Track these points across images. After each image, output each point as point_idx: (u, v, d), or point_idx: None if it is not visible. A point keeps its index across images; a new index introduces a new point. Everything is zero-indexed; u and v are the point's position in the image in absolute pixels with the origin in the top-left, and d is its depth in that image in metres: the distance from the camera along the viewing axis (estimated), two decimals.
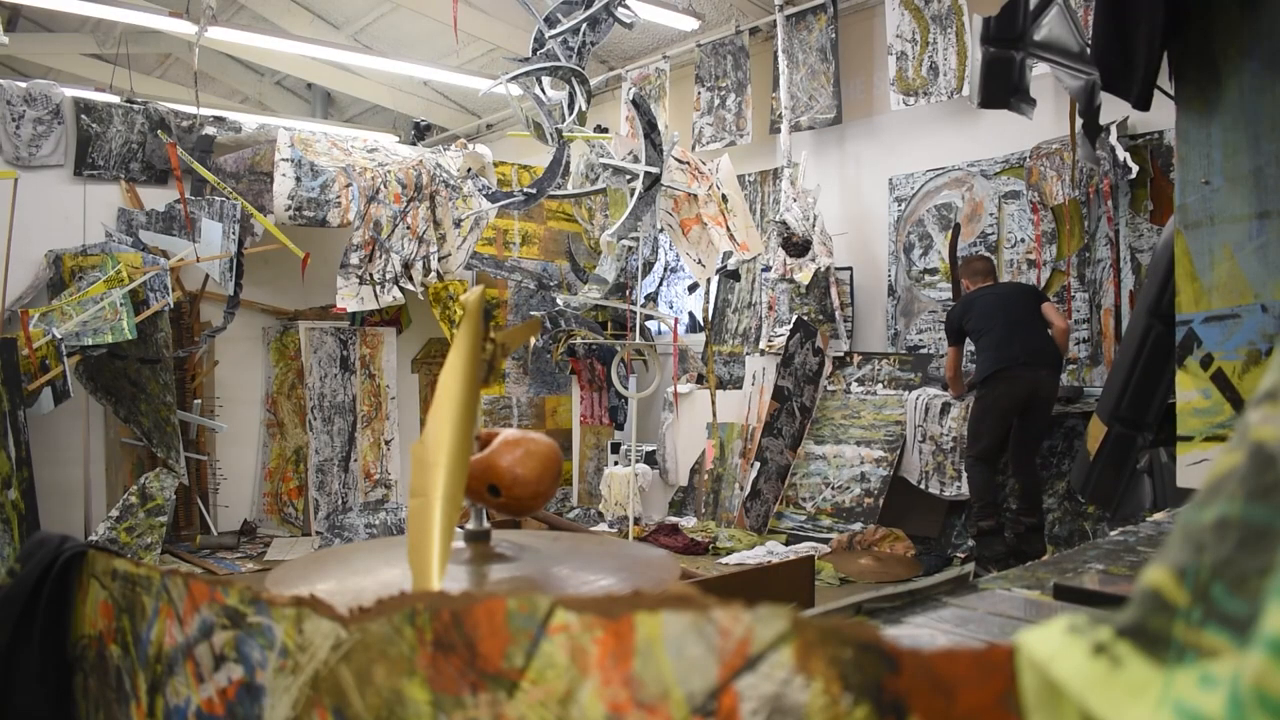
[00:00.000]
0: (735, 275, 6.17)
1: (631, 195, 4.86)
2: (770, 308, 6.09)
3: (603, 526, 5.71)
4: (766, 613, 0.52)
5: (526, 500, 1.08)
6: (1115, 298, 4.70)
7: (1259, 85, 2.07)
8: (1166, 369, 3.27)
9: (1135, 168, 4.48)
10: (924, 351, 5.53)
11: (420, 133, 8.08)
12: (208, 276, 5.25)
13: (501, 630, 0.64)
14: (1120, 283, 4.69)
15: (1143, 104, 2.28)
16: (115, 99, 5.69)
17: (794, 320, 5.64)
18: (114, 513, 4.56)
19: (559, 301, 6.02)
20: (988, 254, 5.18)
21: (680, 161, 5.31)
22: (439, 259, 5.54)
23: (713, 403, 5.85)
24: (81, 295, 4.51)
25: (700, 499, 5.91)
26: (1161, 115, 3.36)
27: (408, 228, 5.41)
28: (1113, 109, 3.56)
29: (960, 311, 4.61)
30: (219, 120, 5.66)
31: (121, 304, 4.46)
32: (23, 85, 5.13)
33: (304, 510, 5.63)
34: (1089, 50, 2.49)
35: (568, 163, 5.40)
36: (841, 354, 5.80)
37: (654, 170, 4.85)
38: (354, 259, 5.21)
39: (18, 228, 4.65)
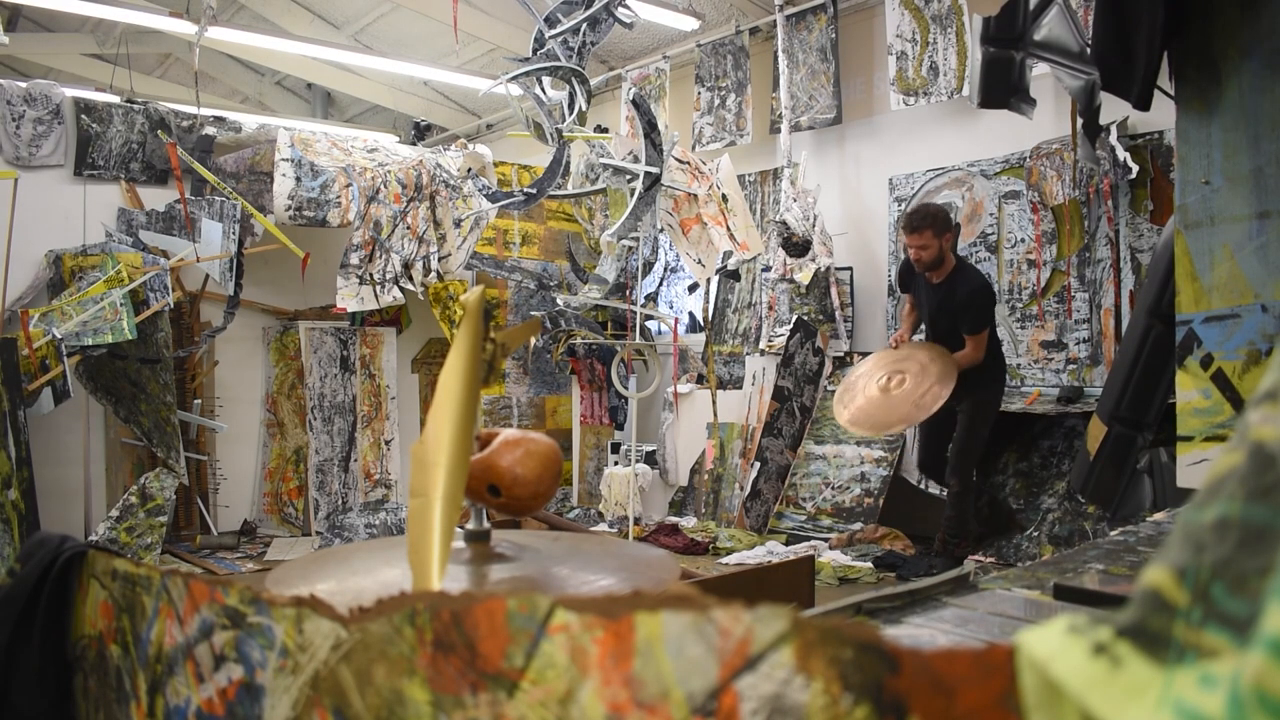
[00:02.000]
0: (735, 275, 6.17)
1: (631, 195, 4.86)
2: (770, 308, 6.09)
3: (603, 526, 5.71)
4: (766, 613, 0.52)
5: (526, 500, 1.08)
6: (1115, 298, 4.70)
7: (1259, 85, 2.07)
8: (1166, 369, 3.27)
9: (1135, 168, 4.47)
10: None
11: (420, 133, 8.08)
12: (208, 276, 5.25)
13: (501, 630, 0.64)
14: (1120, 283, 4.69)
15: (1143, 104, 2.28)
16: (115, 99, 5.69)
17: (794, 320, 5.64)
18: (114, 513, 4.56)
19: (559, 301, 6.01)
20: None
21: (680, 161, 5.31)
22: (439, 259, 5.54)
23: (713, 403, 5.85)
24: (81, 295, 4.51)
25: (700, 499, 5.91)
26: (1161, 115, 3.36)
27: (408, 228, 5.41)
28: (1113, 109, 3.56)
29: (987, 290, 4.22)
30: (219, 120, 5.66)
31: (121, 304, 4.46)
32: (23, 85, 5.13)
33: (304, 510, 5.63)
34: (1089, 50, 2.49)
35: (568, 163, 5.40)
36: (841, 354, 5.80)
37: (654, 170, 4.85)
38: (354, 259, 5.21)
39: (18, 228, 4.65)
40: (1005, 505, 4.50)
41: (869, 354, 5.72)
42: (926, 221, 4.17)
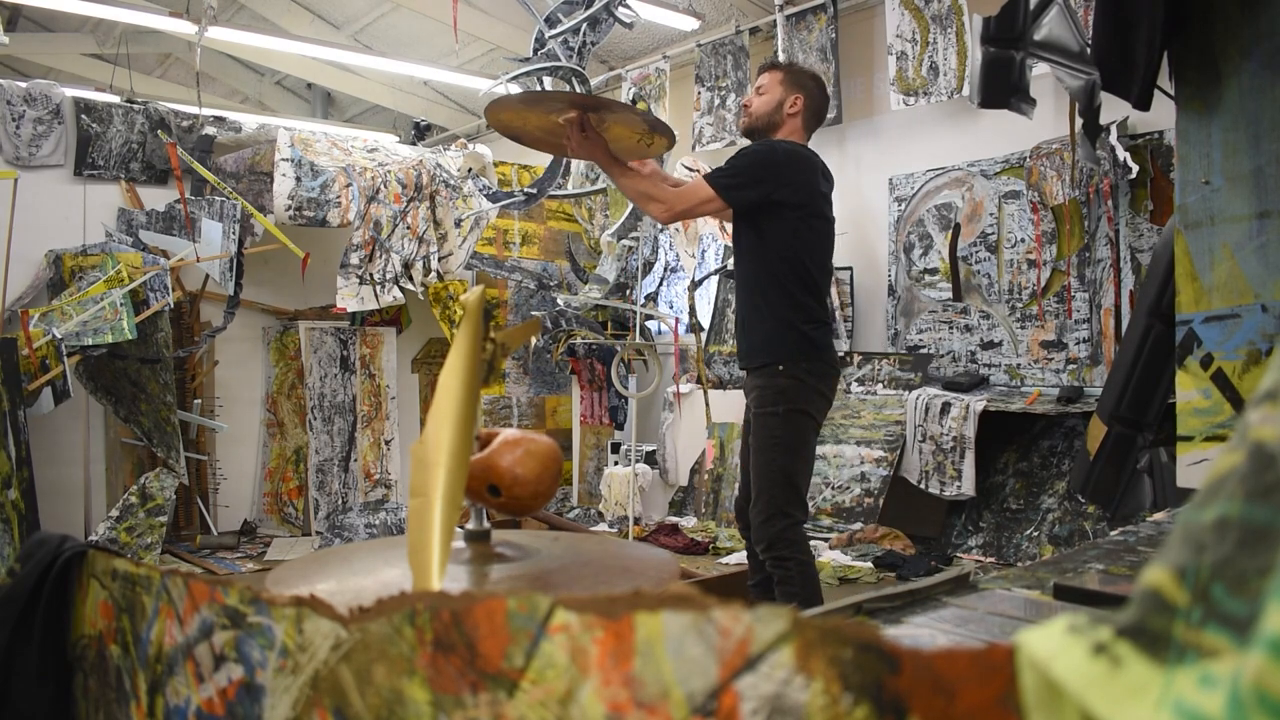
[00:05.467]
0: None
1: None
2: None
3: (603, 526, 5.71)
4: (766, 613, 0.52)
5: (526, 500, 1.08)
6: (1115, 298, 4.70)
7: (1259, 85, 2.07)
8: (1166, 369, 3.27)
9: (1135, 168, 4.47)
10: (924, 351, 5.53)
11: (420, 133, 8.07)
12: (208, 276, 5.25)
13: (501, 630, 0.64)
14: (1120, 283, 4.69)
15: (1143, 104, 2.28)
16: (115, 99, 5.69)
17: None
18: (114, 513, 4.56)
19: (559, 301, 6.01)
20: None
21: (690, 170, 5.31)
22: (439, 259, 5.53)
23: (705, 403, 5.85)
24: (81, 295, 4.51)
25: (700, 499, 5.91)
26: (1161, 115, 3.36)
27: (408, 228, 5.40)
28: (1113, 109, 3.56)
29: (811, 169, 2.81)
30: (219, 120, 5.66)
31: (121, 304, 4.46)
32: (23, 85, 5.13)
33: (304, 510, 5.63)
34: (1089, 50, 2.49)
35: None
36: (841, 354, 5.80)
37: None
38: (354, 259, 5.21)
39: (18, 228, 4.65)
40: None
41: (869, 354, 5.73)
42: (780, 65, 2.92)
